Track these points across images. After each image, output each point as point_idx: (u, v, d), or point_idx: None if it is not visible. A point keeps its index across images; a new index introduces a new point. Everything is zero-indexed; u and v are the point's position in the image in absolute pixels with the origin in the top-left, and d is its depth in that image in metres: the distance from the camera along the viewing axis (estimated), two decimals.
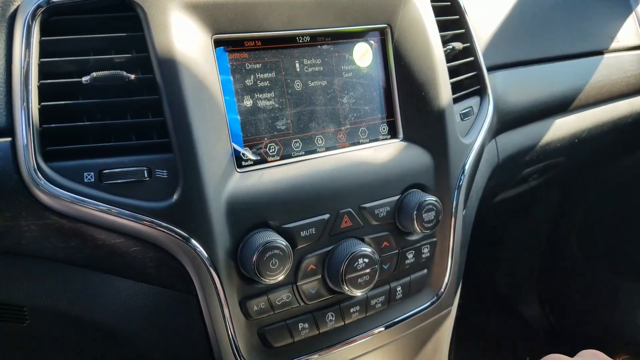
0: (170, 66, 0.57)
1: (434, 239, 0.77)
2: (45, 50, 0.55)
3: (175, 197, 0.57)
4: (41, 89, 0.54)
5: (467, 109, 0.82)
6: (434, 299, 0.80)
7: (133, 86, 0.57)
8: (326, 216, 0.67)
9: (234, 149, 0.63)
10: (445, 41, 0.80)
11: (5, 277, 0.59)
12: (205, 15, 0.60)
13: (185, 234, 0.57)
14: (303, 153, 0.68)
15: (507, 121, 1.00)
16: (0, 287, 0.59)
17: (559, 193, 1.74)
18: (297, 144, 0.68)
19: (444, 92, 0.75)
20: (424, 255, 0.77)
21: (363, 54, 0.72)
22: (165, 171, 0.57)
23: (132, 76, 0.57)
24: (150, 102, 0.58)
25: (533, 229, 1.82)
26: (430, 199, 0.72)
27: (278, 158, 0.67)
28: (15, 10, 0.55)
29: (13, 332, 0.66)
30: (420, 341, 0.83)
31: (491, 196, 1.17)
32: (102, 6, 0.57)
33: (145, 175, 0.57)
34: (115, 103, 0.56)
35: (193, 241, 0.58)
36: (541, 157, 1.16)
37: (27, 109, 0.53)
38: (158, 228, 0.57)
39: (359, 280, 0.67)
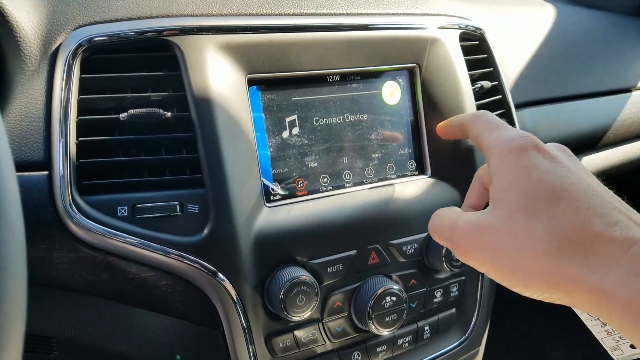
0: (205, 105, 0.57)
1: (463, 278, 0.75)
2: (84, 87, 0.56)
3: (205, 231, 0.57)
4: (79, 124, 0.55)
5: None
6: (462, 339, 0.77)
7: (168, 123, 0.58)
8: (353, 252, 0.66)
9: (264, 184, 0.63)
10: (473, 79, 0.79)
11: (36, 309, 0.59)
12: (239, 55, 0.61)
13: (213, 269, 0.57)
14: (331, 188, 0.67)
15: None
16: (30, 318, 0.59)
17: None
18: (325, 179, 0.67)
19: None
20: (452, 294, 0.75)
21: (392, 92, 0.72)
22: (197, 206, 0.57)
23: (168, 114, 0.57)
24: (184, 139, 0.58)
25: None
26: None
27: (306, 193, 0.66)
28: (57, 48, 0.56)
29: None
30: None
31: None
32: (141, 46, 0.58)
33: (178, 210, 0.56)
34: (150, 140, 0.57)
35: (221, 275, 0.57)
36: None
37: (65, 144, 0.54)
38: (187, 262, 0.56)
39: (387, 319, 0.65)
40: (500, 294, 0.87)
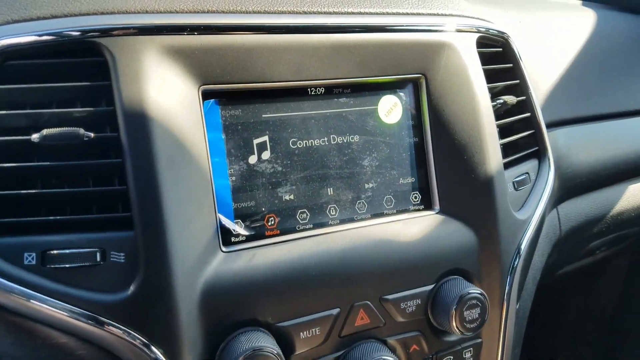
0: (140, 122, 0.44)
1: (479, 340, 0.59)
2: None
3: (132, 287, 0.43)
4: None
5: (523, 176, 0.65)
6: None
7: (93, 146, 0.45)
8: (335, 311, 0.51)
9: (221, 222, 0.49)
10: (495, 94, 0.64)
11: None
12: (191, 62, 0.47)
13: (143, 339, 0.43)
14: (311, 226, 0.53)
15: (571, 187, 0.81)
16: None
17: (628, 260, 1.49)
18: (304, 216, 0.53)
19: (492, 155, 0.58)
20: None
21: (390, 109, 0.57)
22: (122, 254, 0.44)
23: (92, 134, 0.44)
24: (111, 167, 0.45)
25: (597, 299, 1.57)
26: (475, 291, 0.54)
27: (278, 232, 0.52)
28: None
29: None
30: None
31: (550, 272, 0.97)
32: (64, 50, 0.45)
33: (98, 259, 0.43)
34: (68, 167, 0.44)
35: (154, 349, 0.43)
36: (612, 228, 0.95)
37: None
38: (109, 329, 0.42)
39: None
40: None
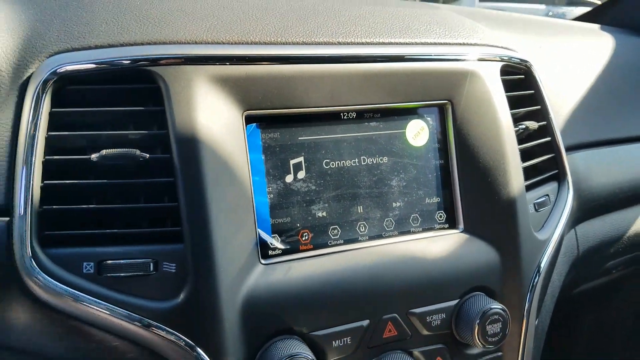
0: (190, 145, 0.48)
1: (499, 354, 0.61)
2: (54, 122, 0.47)
3: (182, 296, 0.46)
4: (45, 165, 0.47)
5: (543, 198, 0.67)
6: None
7: (147, 166, 0.48)
8: (365, 322, 0.53)
9: (260, 236, 0.52)
10: (517, 119, 0.66)
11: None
12: (236, 89, 0.51)
13: (190, 342, 0.46)
14: (342, 242, 0.56)
15: (589, 208, 0.82)
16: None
17: None
18: (335, 232, 0.56)
19: (514, 178, 0.61)
20: None
21: (417, 132, 0.60)
22: (173, 265, 0.47)
23: (147, 155, 0.48)
24: (163, 185, 0.48)
25: (613, 318, 1.55)
26: (497, 307, 0.56)
27: (312, 247, 0.55)
28: (29, 78, 0.48)
29: None
30: None
31: (571, 288, 0.97)
32: (121, 77, 0.49)
33: (151, 269, 0.46)
34: (124, 185, 0.47)
35: (200, 350, 0.46)
36: (628, 249, 0.95)
37: (28, 187, 0.45)
38: (159, 333, 0.46)
39: None
40: None
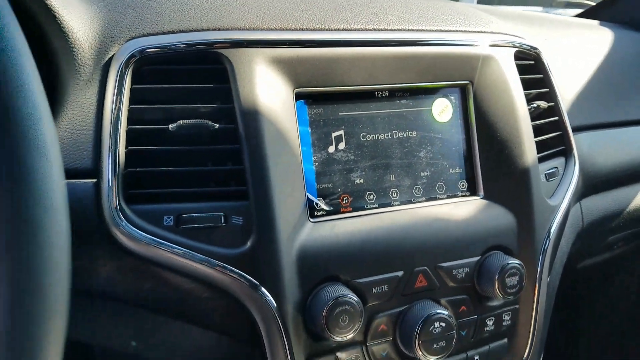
0: (252, 117, 0.55)
1: (516, 306, 0.68)
2: (134, 97, 0.55)
3: (248, 244, 0.54)
4: (129, 133, 0.54)
5: (553, 169, 0.74)
6: None
7: (215, 135, 0.56)
8: (400, 273, 0.61)
9: (308, 198, 0.59)
10: (529, 99, 0.73)
11: (78, 317, 0.57)
12: (288, 69, 0.58)
13: (255, 282, 0.53)
14: (377, 206, 0.63)
15: (592, 185, 0.90)
16: (72, 327, 0.57)
17: None
18: (371, 197, 0.63)
19: (528, 150, 0.68)
20: (504, 323, 0.68)
21: (442, 110, 0.67)
22: (240, 218, 0.54)
23: (216, 125, 0.55)
24: (231, 151, 0.56)
25: (617, 298, 1.62)
26: (514, 262, 0.64)
27: (351, 209, 0.62)
28: (110, 59, 0.55)
29: None
30: None
31: (573, 263, 1.05)
32: (191, 58, 0.56)
33: (222, 221, 0.54)
34: (197, 150, 0.55)
35: (263, 289, 0.54)
36: (629, 224, 1.03)
37: (114, 153, 0.53)
38: (230, 274, 0.53)
39: (435, 346, 0.60)
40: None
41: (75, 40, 0.54)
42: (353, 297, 0.55)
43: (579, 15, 1.38)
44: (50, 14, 0.53)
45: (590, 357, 1.70)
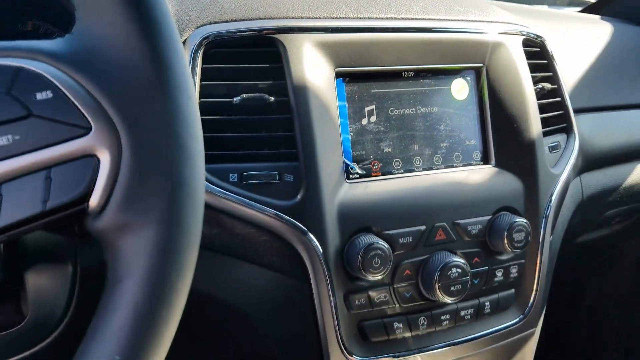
0: (301, 92, 0.65)
1: (522, 261, 0.78)
2: (205, 75, 0.64)
3: (298, 197, 0.64)
4: (200, 105, 0.64)
5: (555, 143, 0.84)
6: (520, 317, 0.79)
7: (270, 107, 0.65)
8: (422, 227, 0.70)
9: (345, 163, 0.69)
10: (535, 81, 0.83)
11: None
12: (330, 51, 0.68)
13: (304, 228, 0.63)
14: (402, 171, 0.73)
15: (591, 161, 0.99)
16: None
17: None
18: (398, 163, 0.73)
19: (534, 124, 0.77)
20: (512, 275, 0.77)
21: (460, 89, 0.77)
22: (291, 176, 0.64)
23: (272, 99, 0.65)
24: (283, 120, 0.65)
25: (614, 277, 1.71)
26: (521, 220, 0.73)
27: (380, 174, 0.72)
28: (184, 42, 0.65)
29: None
30: (504, 357, 0.82)
31: (574, 236, 1.14)
32: (251, 42, 0.66)
33: (276, 179, 0.64)
34: (256, 120, 0.65)
35: (310, 235, 0.64)
36: (625, 200, 1.12)
37: None
38: (283, 221, 0.63)
39: (452, 288, 0.69)
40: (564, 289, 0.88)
41: None
42: (384, 244, 0.65)
43: (581, 12, 1.46)
44: None
45: (590, 331, 1.78)
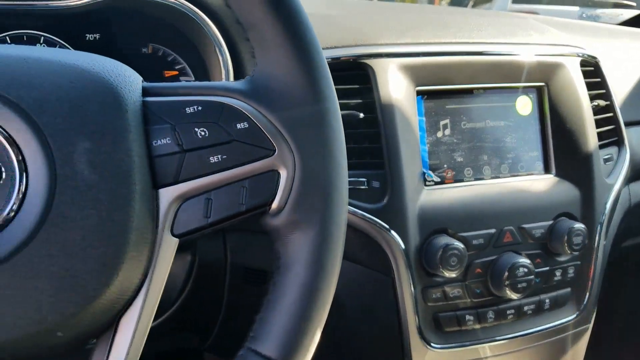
0: (387, 109, 0.73)
1: (579, 262, 0.84)
2: None
3: (384, 201, 0.72)
4: None
5: (609, 155, 0.90)
6: (576, 314, 0.85)
7: (360, 122, 0.73)
8: (492, 230, 0.77)
9: (423, 171, 0.77)
10: (590, 98, 0.89)
11: (258, 249, 0.77)
12: (412, 73, 0.76)
13: (388, 228, 0.71)
14: (473, 179, 0.80)
15: (639, 170, 1.04)
16: (255, 256, 0.76)
17: None
18: (469, 172, 0.80)
19: (591, 138, 0.84)
20: (569, 275, 0.84)
21: (524, 105, 0.84)
22: (378, 182, 0.72)
23: (361, 115, 0.73)
24: (371, 134, 0.73)
25: None
26: (579, 225, 0.79)
27: (453, 181, 0.79)
28: None
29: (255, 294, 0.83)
30: (560, 350, 0.88)
31: (620, 240, 1.18)
32: (344, 67, 0.74)
33: (365, 185, 0.72)
34: (347, 133, 0.72)
35: (394, 233, 0.71)
36: None
37: None
38: (370, 222, 0.71)
39: (518, 286, 0.76)
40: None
41: None
42: (460, 245, 0.73)
43: (623, 23, 1.51)
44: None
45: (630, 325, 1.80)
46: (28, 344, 0.38)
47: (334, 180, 0.44)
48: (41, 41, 0.74)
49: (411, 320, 0.74)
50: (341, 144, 0.45)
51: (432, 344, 0.75)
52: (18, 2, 0.70)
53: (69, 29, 0.74)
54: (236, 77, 0.75)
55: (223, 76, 0.74)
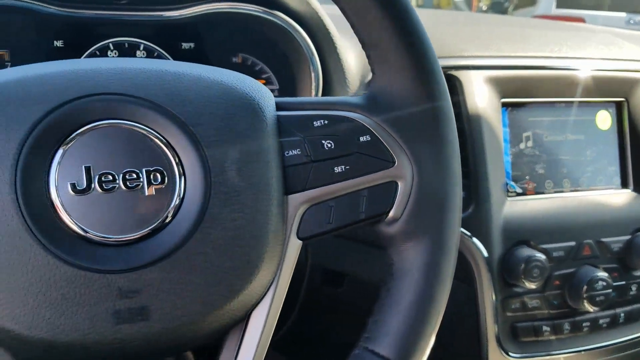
0: (474, 120, 0.74)
1: None
2: None
3: (470, 209, 0.73)
4: None
5: None
6: None
7: None
8: (572, 243, 0.78)
9: (506, 182, 0.77)
10: None
11: (335, 253, 0.79)
12: (497, 85, 0.76)
13: (469, 234, 0.72)
14: (553, 191, 0.80)
15: None
16: (334, 260, 0.78)
17: None
18: (550, 184, 0.80)
19: None
20: None
21: (603, 119, 0.83)
22: (464, 192, 0.73)
23: None
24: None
25: None
26: None
27: (534, 192, 0.79)
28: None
29: (330, 296, 0.85)
30: None
31: None
32: None
33: None
34: None
35: (474, 239, 0.72)
36: None
37: None
38: None
39: (596, 299, 0.76)
40: None
41: (347, 66, 0.75)
42: (542, 257, 0.73)
43: None
44: (334, 48, 0.74)
45: None
46: (178, 333, 0.40)
47: (449, 192, 0.45)
48: (141, 48, 0.78)
49: (491, 330, 0.74)
50: (457, 157, 0.46)
51: (510, 353, 0.76)
52: (131, 13, 0.73)
53: (166, 38, 0.78)
54: (324, 90, 0.77)
55: (312, 88, 0.76)
